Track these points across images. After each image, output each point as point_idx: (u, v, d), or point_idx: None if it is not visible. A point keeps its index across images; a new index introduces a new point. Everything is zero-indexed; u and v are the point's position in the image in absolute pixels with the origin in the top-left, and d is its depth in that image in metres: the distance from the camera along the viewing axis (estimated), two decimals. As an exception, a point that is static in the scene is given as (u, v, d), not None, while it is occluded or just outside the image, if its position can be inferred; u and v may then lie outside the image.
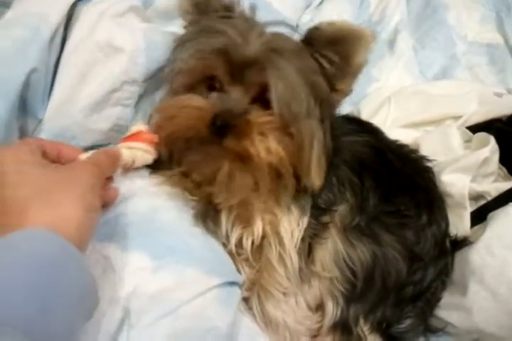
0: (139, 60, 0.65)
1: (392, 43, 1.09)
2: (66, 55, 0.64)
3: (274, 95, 0.53)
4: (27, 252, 0.35)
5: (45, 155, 0.46)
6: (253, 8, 0.60)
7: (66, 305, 0.36)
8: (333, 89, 0.58)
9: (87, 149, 0.67)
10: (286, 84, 0.52)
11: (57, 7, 0.64)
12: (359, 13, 1.14)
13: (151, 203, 0.58)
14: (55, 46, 0.64)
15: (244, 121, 0.52)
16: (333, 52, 0.56)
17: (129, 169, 0.58)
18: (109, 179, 0.53)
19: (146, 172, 0.64)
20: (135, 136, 0.58)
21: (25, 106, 0.62)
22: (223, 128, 0.51)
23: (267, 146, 0.52)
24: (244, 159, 0.53)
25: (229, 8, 0.59)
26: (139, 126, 0.59)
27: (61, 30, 0.65)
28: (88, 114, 0.64)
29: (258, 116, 0.53)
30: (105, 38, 0.65)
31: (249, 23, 0.57)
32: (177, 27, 0.71)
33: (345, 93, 0.60)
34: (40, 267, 0.35)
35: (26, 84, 0.61)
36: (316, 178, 0.57)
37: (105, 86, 0.64)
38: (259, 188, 0.57)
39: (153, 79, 0.68)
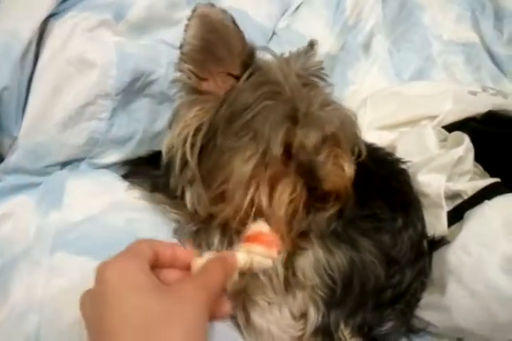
0: (111, 73, 0.66)
1: (367, 47, 1.11)
2: (39, 71, 0.65)
3: (343, 139, 0.58)
4: None
5: (158, 260, 0.42)
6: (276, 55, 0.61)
7: None
8: None
9: (65, 164, 0.68)
10: (344, 126, 0.57)
11: (29, 24, 0.64)
12: (335, 18, 1.15)
13: (128, 216, 0.59)
14: (27, 63, 0.64)
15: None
16: None
17: (243, 273, 0.51)
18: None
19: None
20: (255, 238, 0.51)
21: (-1, 125, 0.63)
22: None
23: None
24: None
25: (250, 55, 0.57)
26: (261, 226, 0.53)
27: (33, 46, 0.65)
28: (62, 129, 0.64)
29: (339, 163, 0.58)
30: (77, 53, 0.65)
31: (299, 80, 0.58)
32: (148, 40, 0.72)
33: None
34: None
35: (-1, 102, 0.61)
36: None
37: (78, 100, 0.64)
38: None
39: (126, 92, 0.68)
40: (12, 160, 0.64)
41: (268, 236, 0.51)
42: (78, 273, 0.52)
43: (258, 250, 0.49)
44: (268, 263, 0.50)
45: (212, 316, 0.42)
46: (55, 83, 0.65)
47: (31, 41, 0.64)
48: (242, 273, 0.48)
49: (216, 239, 0.60)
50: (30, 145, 0.64)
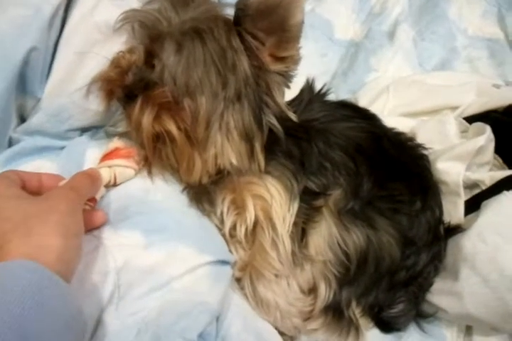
0: (138, 40, 0.65)
1: (392, 35, 1.09)
2: (65, 35, 0.64)
3: (165, 69, 0.55)
4: (5, 285, 0.35)
5: (25, 187, 0.48)
6: None
7: (50, 337, 0.36)
8: (277, 59, 0.57)
9: (84, 130, 0.68)
10: (180, 59, 0.54)
11: (59, -13, 0.64)
12: (360, 5, 1.14)
13: (143, 185, 0.59)
14: (55, 26, 0.64)
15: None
16: (268, 23, 0.55)
17: (113, 187, 0.57)
18: (93, 201, 0.53)
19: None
20: (113, 154, 0.57)
21: (24, 85, 0.63)
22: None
23: (146, 117, 0.55)
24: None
25: None
26: (116, 143, 0.58)
27: (61, 10, 0.64)
28: (85, 94, 0.64)
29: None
30: (104, 19, 0.65)
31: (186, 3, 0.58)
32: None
33: (294, 61, 0.58)
34: (19, 300, 0.34)
35: (26, 62, 0.61)
36: (227, 158, 0.58)
37: (103, 66, 0.64)
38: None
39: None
40: (34, 121, 0.64)
41: (124, 150, 0.57)
42: (91, 238, 0.52)
43: (117, 162, 0.55)
44: (130, 172, 0.57)
45: (90, 226, 0.51)
46: (81, 48, 0.64)
47: (60, 5, 0.64)
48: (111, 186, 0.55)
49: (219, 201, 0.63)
50: (53, 108, 0.63)
